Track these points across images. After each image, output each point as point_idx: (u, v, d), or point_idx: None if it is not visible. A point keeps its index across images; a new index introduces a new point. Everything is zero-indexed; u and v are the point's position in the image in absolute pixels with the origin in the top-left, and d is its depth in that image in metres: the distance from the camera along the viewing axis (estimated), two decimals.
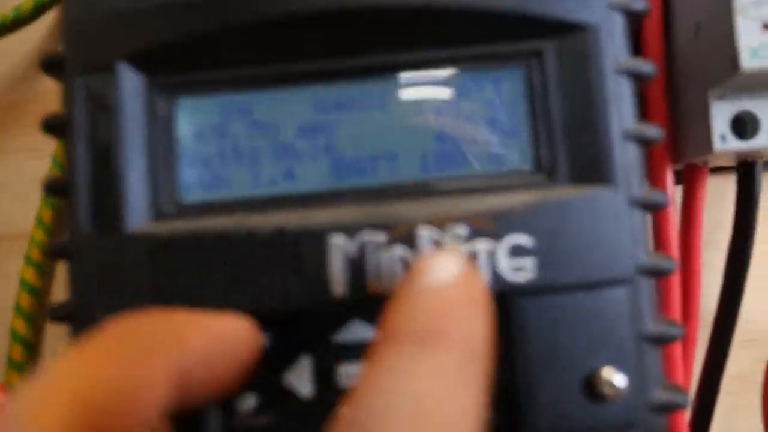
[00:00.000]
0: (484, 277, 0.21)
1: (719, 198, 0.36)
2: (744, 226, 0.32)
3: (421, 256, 0.19)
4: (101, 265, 0.22)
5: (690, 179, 0.32)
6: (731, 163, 0.32)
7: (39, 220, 0.36)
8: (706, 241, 0.35)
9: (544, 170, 0.22)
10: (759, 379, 0.32)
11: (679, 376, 0.31)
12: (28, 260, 0.36)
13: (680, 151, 0.30)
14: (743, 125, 0.27)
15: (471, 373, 0.16)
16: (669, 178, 0.30)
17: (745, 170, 0.31)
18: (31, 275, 0.36)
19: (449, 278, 0.17)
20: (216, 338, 0.18)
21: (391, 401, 0.15)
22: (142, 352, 0.17)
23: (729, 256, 0.32)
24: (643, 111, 0.30)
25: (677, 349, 0.31)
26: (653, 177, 0.30)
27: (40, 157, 0.38)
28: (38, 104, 0.38)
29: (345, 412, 0.15)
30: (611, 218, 0.21)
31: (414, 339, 0.16)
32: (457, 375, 0.16)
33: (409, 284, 0.18)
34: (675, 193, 0.31)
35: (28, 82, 0.39)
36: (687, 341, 0.32)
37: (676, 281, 0.31)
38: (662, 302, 0.31)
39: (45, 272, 0.37)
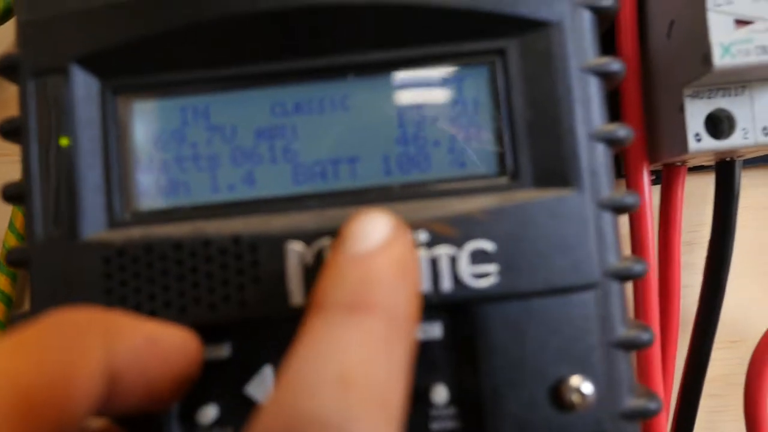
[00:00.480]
0: (413, 238, 0.20)
1: (699, 197, 0.35)
2: (723, 226, 0.31)
3: (349, 219, 0.18)
4: (57, 274, 0.22)
5: (668, 179, 0.32)
6: (710, 161, 0.32)
7: (11, 226, 0.35)
8: (687, 240, 0.35)
9: (508, 173, 0.22)
10: (742, 380, 0.31)
11: (658, 379, 0.31)
12: (0, 268, 0.35)
13: (656, 150, 0.30)
14: (719, 124, 0.27)
15: (396, 340, 0.16)
16: (645, 178, 0.30)
17: (724, 169, 0.31)
18: (4, 283, 0.35)
19: (376, 243, 0.17)
20: (152, 341, 0.18)
21: (318, 372, 0.15)
22: (76, 339, 0.17)
23: (709, 256, 0.32)
24: (619, 110, 0.30)
25: (656, 351, 0.31)
26: (629, 177, 0.30)
27: (12, 162, 0.37)
28: (9, 109, 0.38)
29: (276, 384, 0.15)
30: (577, 222, 0.21)
31: (340, 308, 0.16)
32: (383, 343, 0.16)
33: (337, 250, 0.18)
34: (652, 193, 0.30)
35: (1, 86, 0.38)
36: (667, 342, 0.32)
37: (654, 282, 0.31)
38: (640, 304, 0.31)
39: (19, 280, 0.36)
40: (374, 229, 0.18)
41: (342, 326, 0.16)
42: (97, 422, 0.20)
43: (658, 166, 0.32)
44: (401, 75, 0.22)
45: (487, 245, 0.20)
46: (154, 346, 0.18)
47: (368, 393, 0.15)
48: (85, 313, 0.18)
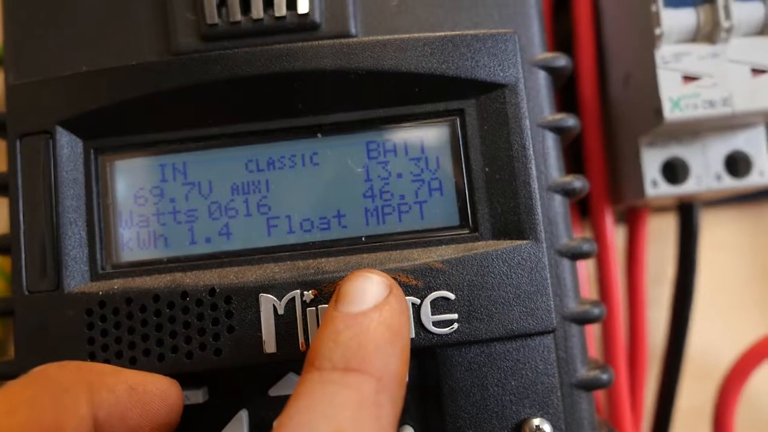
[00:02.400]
0: (405, 299, 0.21)
1: (663, 236, 0.36)
2: (686, 264, 0.32)
3: (346, 279, 0.19)
4: (41, 324, 0.23)
5: (632, 222, 0.33)
6: (671, 204, 0.33)
7: (0, 271, 0.36)
8: (653, 277, 0.36)
9: (469, 226, 0.23)
10: (710, 413, 0.32)
11: (626, 415, 0.32)
12: None
13: (619, 194, 0.31)
14: (674, 171, 0.28)
15: (386, 400, 0.17)
16: (608, 220, 0.31)
17: (685, 211, 0.32)
18: None
19: (370, 303, 0.18)
20: (133, 390, 0.19)
21: (312, 429, 0.16)
22: (62, 396, 0.17)
23: (674, 293, 0.33)
24: (582, 157, 0.31)
25: (624, 387, 0.32)
26: (593, 220, 0.31)
27: None
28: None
29: None
30: (534, 270, 0.22)
31: (335, 369, 0.17)
32: (373, 403, 0.17)
33: (332, 311, 0.19)
34: (616, 235, 0.31)
35: None
36: (635, 379, 0.33)
37: (620, 321, 0.32)
38: (608, 342, 0.32)
39: (6, 325, 0.37)
40: (369, 290, 0.19)
41: (336, 386, 0.17)
42: None
43: (623, 207, 0.33)
44: (367, 134, 0.23)
45: (448, 294, 0.21)
46: (135, 394, 0.19)
47: None
48: (69, 368, 0.19)
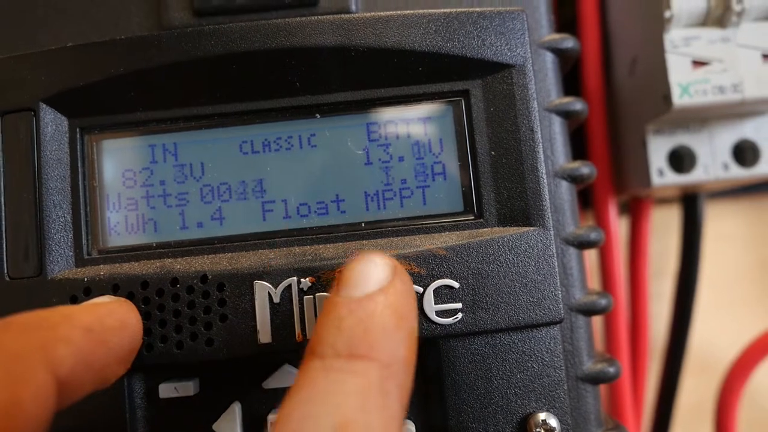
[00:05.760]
0: (410, 280, 0.19)
1: (665, 228, 0.36)
2: (689, 257, 0.32)
3: (348, 262, 0.18)
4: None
5: (635, 213, 0.32)
6: (675, 195, 0.32)
7: None
8: (655, 270, 0.36)
9: (473, 212, 0.22)
10: (712, 408, 0.31)
11: (628, 409, 0.31)
12: None
13: (623, 184, 0.30)
14: (680, 159, 0.28)
15: (393, 387, 0.16)
16: (612, 210, 0.30)
17: (688, 202, 0.32)
18: None
19: (373, 287, 0.17)
20: (90, 332, 0.17)
21: (317, 420, 0.15)
22: (16, 365, 0.16)
23: (676, 286, 0.33)
24: (586, 145, 0.30)
25: (626, 381, 0.31)
26: (596, 210, 0.31)
27: None
28: None
29: (273, 429, 0.15)
30: (541, 259, 0.21)
31: (339, 356, 0.16)
32: (379, 391, 0.16)
33: (334, 296, 0.17)
34: (619, 225, 0.31)
35: None
36: (637, 373, 0.32)
37: (623, 313, 0.31)
38: (610, 335, 0.31)
39: None
40: (372, 273, 0.18)
41: (340, 373, 0.16)
42: None
43: (626, 197, 0.33)
44: (368, 115, 0.22)
45: (452, 283, 0.21)
46: (94, 335, 0.17)
47: None
48: (14, 330, 0.17)
